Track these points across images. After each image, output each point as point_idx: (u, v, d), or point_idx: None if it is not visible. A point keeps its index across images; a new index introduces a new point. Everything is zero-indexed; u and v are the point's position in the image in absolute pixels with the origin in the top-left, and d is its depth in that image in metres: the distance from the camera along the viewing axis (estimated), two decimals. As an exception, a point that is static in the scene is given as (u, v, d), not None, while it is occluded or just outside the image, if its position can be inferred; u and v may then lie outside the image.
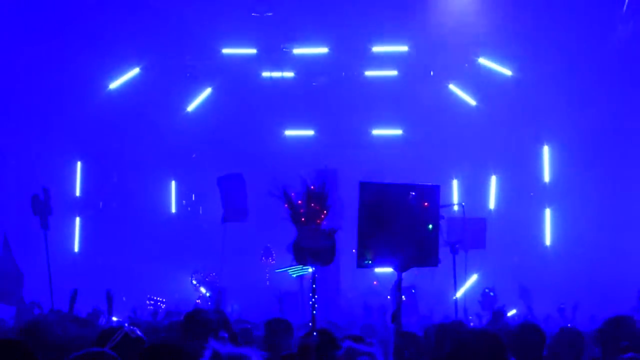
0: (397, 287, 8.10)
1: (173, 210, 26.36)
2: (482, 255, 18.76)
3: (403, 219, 8.14)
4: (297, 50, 24.54)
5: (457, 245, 15.46)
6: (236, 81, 24.95)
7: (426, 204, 8.26)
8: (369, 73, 24.86)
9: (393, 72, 24.73)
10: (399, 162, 23.23)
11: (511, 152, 24.41)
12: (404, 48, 24.32)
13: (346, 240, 9.19)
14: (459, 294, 16.63)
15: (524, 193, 24.80)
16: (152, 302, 19.96)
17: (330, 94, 24.74)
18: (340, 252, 7.97)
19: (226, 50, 24.74)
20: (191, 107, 25.69)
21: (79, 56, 23.26)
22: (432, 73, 24.57)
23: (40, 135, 23.96)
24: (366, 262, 8.15)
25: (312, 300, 7.64)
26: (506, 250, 22.88)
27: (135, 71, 24.79)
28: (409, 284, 20.02)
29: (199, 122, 25.24)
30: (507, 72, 23.98)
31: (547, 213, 24.75)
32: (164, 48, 24.16)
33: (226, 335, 7.55)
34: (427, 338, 9.19)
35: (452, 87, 24.86)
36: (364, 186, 8.15)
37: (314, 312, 7.53)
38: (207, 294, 22.09)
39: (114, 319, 12.78)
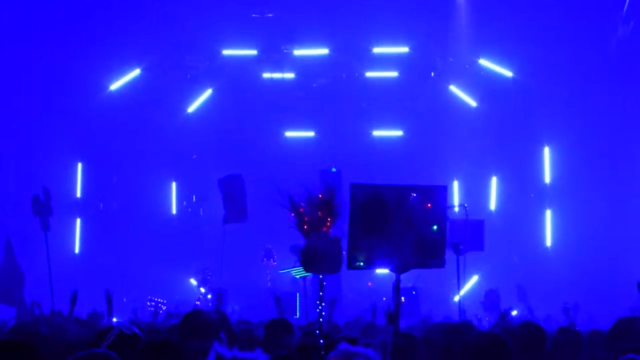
0: (395, 288, 8.08)
1: (174, 211, 26.36)
2: (483, 256, 18.73)
3: (401, 220, 8.10)
4: (298, 52, 24.55)
5: (461, 247, 15.44)
6: (237, 82, 24.95)
7: (429, 205, 8.22)
8: (369, 74, 24.86)
9: (394, 73, 24.73)
10: (400, 163, 23.24)
11: (512, 153, 24.40)
12: (404, 49, 24.34)
13: (346, 241, 9.18)
14: (459, 295, 16.61)
15: (524, 194, 24.80)
16: (152, 303, 19.97)
17: (331, 95, 24.75)
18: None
19: (227, 52, 24.76)
20: (192, 108, 25.70)
21: (80, 57, 23.27)
22: (432, 74, 24.58)
23: (40, 136, 23.97)
24: (358, 263, 8.10)
25: (319, 307, 7.63)
26: (507, 251, 22.89)
27: (135, 72, 24.81)
28: (410, 286, 20.02)
29: (200, 123, 25.24)
30: (508, 73, 23.98)
31: (548, 214, 24.75)
32: (164, 49, 24.17)
33: (226, 336, 7.54)
34: (428, 339, 9.17)
35: (453, 88, 24.86)
36: (355, 188, 8.12)
37: (321, 319, 7.52)
38: (209, 296, 22.11)
39: (114, 320, 12.77)
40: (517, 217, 24.24)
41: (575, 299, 16.47)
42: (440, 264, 8.45)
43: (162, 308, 19.66)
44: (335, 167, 21.93)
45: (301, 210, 7.61)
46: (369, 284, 22.80)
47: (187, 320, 8.45)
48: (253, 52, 24.69)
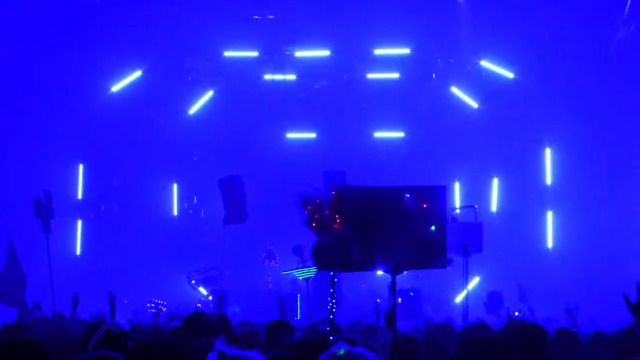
0: (391, 290, 8.07)
1: (175, 212, 26.37)
2: (484, 258, 18.73)
3: (395, 222, 8.07)
4: (299, 53, 24.54)
5: (469, 248, 15.43)
6: (238, 84, 24.95)
7: (425, 205, 8.18)
8: (370, 75, 24.86)
9: (395, 75, 24.73)
10: (401, 164, 23.25)
11: (513, 155, 24.42)
12: (405, 50, 24.32)
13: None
14: (461, 297, 16.64)
15: (525, 195, 24.81)
16: (153, 305, 19.97)
17: (332, 97, 24.76)
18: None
19: (228, 53, 24.75)
20: (193, 110, 25.71)
21: (81, 59, 23.28)
22: (434, 75, 24.58)
23: (42, 138, 23.97)
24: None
25: (330, 304, 7.64)
26: (508, 253, 22.89)
27: (137, 74, 24.81)
28: (409, 287, 20.02)
29: (201, 125, 25.26)
30: (509, 74, 23.97)
31: (549, 215, 24.76)
32: (165, 51, 24.17)
33: (226, 337, 7.54)
34: (430, 340, 9.17)
35: (454, 90, 24.86)
36: (348, 190, 8.10)
37: (331, 316, 7.53)
38: (209, 297, 22.10)
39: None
40: (518, 219, 24.26)
41: (576, 300, 16.48)
42: (442, 264, 8.42)
43: (162, 310, 19.66)
44: (340, 168, 21.92)
45: (309, 208, 7.62)
46: (362, 286, 22.80)
47: (189, 321, 8.46)
48: (254, 53, 24.69)
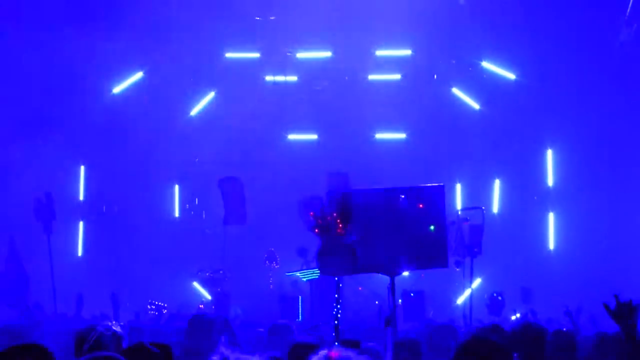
0: (391, 291, 8.06)
1: (176, 214, 26.35)
2: (485, 259, 18.73)
3: (391, 223, 8.06)
4: (301, 54, 24.54)
5: (475, 249, 15.42)
6: (239, 85, 24.93)
7: (421, 205, 8.16)
8: (372, 77, 24.85)
9: (396, 76, 24.73)
10: (403, 165, 23.22)
11: (515, 156, 24.39)
12: (407, 52, 24.32)
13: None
14: (462, 298, 16.62)
15: (527, 197, 24.78)
16: (153, 307, 19.96)
17: (334, 98, 24.72)
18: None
19: (229, 54, 24.76)
20: (194, 111, 25.71)
21: (82, 60, 23.26)
22: (435, 77, 24.56)
23: (43, 139, 23.95)
24: None
25: (336, 308, 7.65)
26: (509, 254, 22.87)
27: (138, 75, 24.80)
28: (414, 288, 19.99)
29: (202, 126, 25.24)
30: (511, 75, 23.96)
31: (551, 217, 24.73)
32: (167, 52, 24.14)
33: (228, 339, 7.52)
34: (432, 342, 9.17)
35: (456, 91, 24.84)
36: (345, 195, 8.09)
37: (336, 321, 7.53)
38: (210, 298, 22.10)
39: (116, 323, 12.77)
40: (519, 220, 24.23)
41: (578, 302, 16.48)
42: (443, 264, 8.39)
43: (163, 312, 19.66)
44: (341, 170, 21.90)
45: (312, 213, 7.62)
46: (359, 288, 22.76)
47: (192, 323, 8.48)
48: (256, 55, 24.69)
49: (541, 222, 24.72)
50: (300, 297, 20.79)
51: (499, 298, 18.99)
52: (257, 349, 8.42)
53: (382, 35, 23.75)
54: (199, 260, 23.47)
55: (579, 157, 23.75)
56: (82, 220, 25.54)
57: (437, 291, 21.51)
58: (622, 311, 6.18)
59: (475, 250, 16.31)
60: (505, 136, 24.00)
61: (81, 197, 25.68)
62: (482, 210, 17.25)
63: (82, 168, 25.64)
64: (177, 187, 26.34)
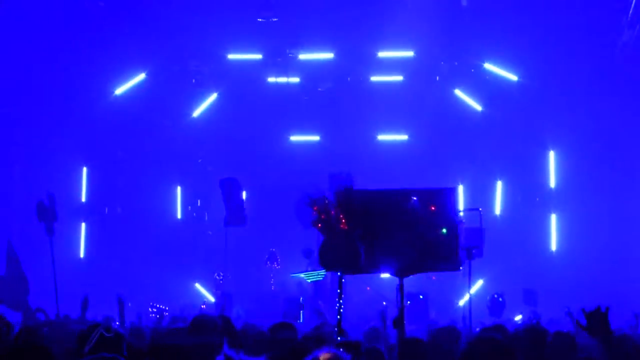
0: (399, 292, 8.05)
1: (179, 215, 26.34)
2: (487, 261, 18.73)
3: (401, 224, 8.04)
4: (303, 56, 24.54)
5: (473, 251, 15.39)
6: (242, 86, 24.95)
7: (433, 207, 8.15)
8: (374, 78, 24.85)
9: (399, 78, 24.71)
10: (405, 167, 23.21)
11: (517, 157, 24.38)
12: (409, 53, 24.32)
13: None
14: (464, 300, 16.61)
15: (529, 198, 24.75)
16: (154, 309, 19.95)
17: (336, 100, 24.74)
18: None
19: (232, 56, 24.77)
20: (197, 113, 25.71)
21: (85, 61, 23.31)
22: (437, 78, 24.55)
23: (45, 140, 24.00)
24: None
25: (338, 305, 7.64)
26: (511, 255, 22.85)
27: (141, 77, 24.83)
28: (418, 290, 19.99)
29: (205, 128, 25.26)
30: (513, 77, 23.96)
31: (553, 218, 24.72)
32: (169, 53, 24.19)
33: (230, 340, 7.52)
34: (435, 344, 9.16)
35: (458, 93, 24.83)
36: (353, 192, 8.08)
37: (339, 317, 7.53)
38: (213, 300, 22.11)
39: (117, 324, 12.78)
40: (522, 222, 24.21)
41: (580, 303, 16.46)
42: (455, 267, 8.38)
43: (164, 314, 19.66)
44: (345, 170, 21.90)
45: (316, 208, 7.61)
46: (367, 288, 22.75)
47: (193, 324, 8.46)
48: (258, 56, 24.70)
49: (543, 223, 24.71)
50: (301, 298, 20.79)
51: (500, 299, 18.97)
52: (259, 349, 8.41)
53: (385, 37, 23.74)
54: (202, 262, 23.48)
55: (581, 158, 23.74)
56: (84, 221, 25.56)
57: (439, 293, 21.51)
58: (594, 323, 6.11)
59: (474, 252, 16.28)
60: (508, 137, 23.99)
61: (83, 199, 25.70)
62: (480, 211, 17.19)
63: (85, 169, 25.65)
64: (179, 189, 26.33)
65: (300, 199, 7.85)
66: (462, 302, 20.30)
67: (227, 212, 22.14)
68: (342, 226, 7.58)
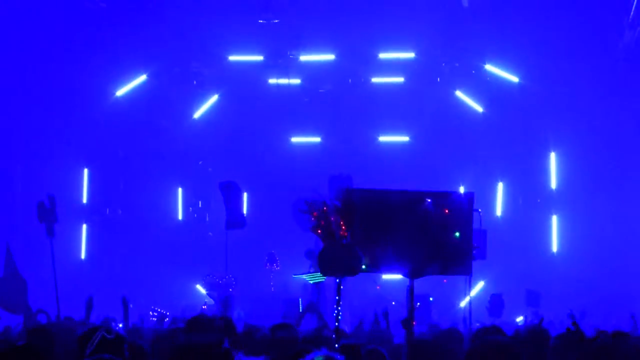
0: (409, 293, 8.04)
1: (180, 217, 26.35)
2: (489, 262, 18.73)
3: (413, 226, 8.03)
4: (304, 57, 24.55)
5: (475, 252, 15.33)
6: (243, 88, 24.96)
7: (447, 210, 8.15)
8: (375, 80, 24.86)
9: (400, 79, 24.72)
10: (406, 168, 23.23)
11: (518, 159, 24.38)
12: (410, 55, 24.33)
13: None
14: (465, 301, 16.59)
15: (530, 200, 24.76)
16: (155, 313, 19.93)
17: (337, 101, 24.75)
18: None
19: (233, 57, 24.78)
20: (198, 114, 25.72)
21: (86, 63, 23.31)
22: (438, 79, 24.55)
23: (46, 142, 24.00)
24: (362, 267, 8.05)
25: (336, 311, 7.63)
26: (513, 257, 22.84)
27: (142, 78, 24.83)
28: (424, 292, 19.97)
29: (206, 129, 25.27)
30: (514, 78, 23.96)
31: (554, 220, 24.71)
32: (170, 55, 24.20)
33: (231, 341, 7.52)
34: (437, 345, 9.15)
35: (459, 94, 24.84)
36: (354, 192, 8.06)
37: (337, 323, 7.53)
38: (212, 301, 22.09)
39: (120, 325, 12.79)
40: (523, 223, 24.20)
41: (581, 305, 16.48)
42: (466, 271, 8.39)
43: (165, 319, 19.65)
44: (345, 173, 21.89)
45: (315, 214, 7.59)
46: (377, 287, 22.73)
47: (192, 324, 8.44)
48: (259, 57, 24.70)
49: (544, 225, 24.70)
50: (300, 299, 20.77)
51: (499, 300, 18.92)
52: (260, 350, 8.40)
53: (386, 38, 23.76)
54: (203, 263, 23.47)
55: (583, 159, 23.73)
56: (85, 223, 25.55)
57: (440, 294, 21.50)
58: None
59: (475, 253, 16.25)
60: (509, 139, 23.99)
61: (84, 200, 25.69)
62: (479, 212, 17.17)
63: (86, 171, 25.64)
64: (180, 190, 26.34)
65: (296, 203, 7.81)
66: (463, 304, 20.29)
67: (227, 216, 22.12)
68: (342, 233, 7.55)
